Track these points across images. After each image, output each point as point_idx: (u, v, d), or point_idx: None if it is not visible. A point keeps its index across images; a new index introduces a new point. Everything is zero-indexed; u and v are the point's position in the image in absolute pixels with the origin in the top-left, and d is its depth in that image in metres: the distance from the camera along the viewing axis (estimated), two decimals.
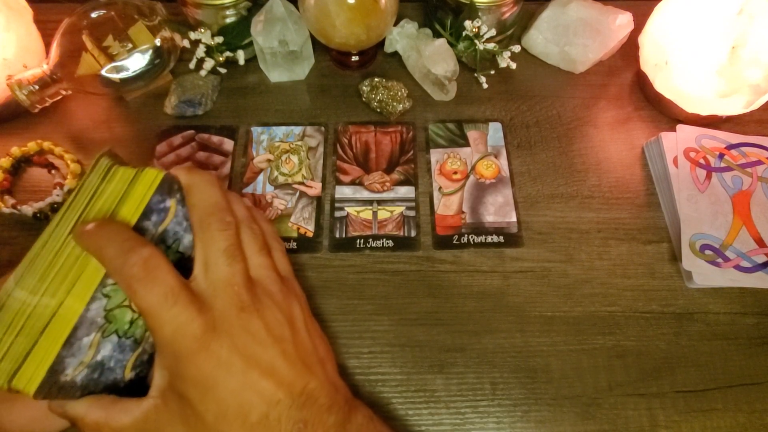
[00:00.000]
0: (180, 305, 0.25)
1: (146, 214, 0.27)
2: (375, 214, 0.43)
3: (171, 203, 0.29)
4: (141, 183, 0.28)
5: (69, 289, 0.25)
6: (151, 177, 0.28)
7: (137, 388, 0.28)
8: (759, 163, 0.44)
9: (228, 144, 0.46)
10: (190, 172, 0.29)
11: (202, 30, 0.47)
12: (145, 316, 0.25)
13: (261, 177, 0.44)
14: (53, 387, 0.25)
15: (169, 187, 0.28)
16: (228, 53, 0.49)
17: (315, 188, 0.44)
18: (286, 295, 0.30)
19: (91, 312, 0.25)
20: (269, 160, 0.45)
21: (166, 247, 0.29)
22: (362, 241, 0.41)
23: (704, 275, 0.39)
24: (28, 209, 0.40)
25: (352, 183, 0.44)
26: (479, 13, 0.47)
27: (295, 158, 0.45)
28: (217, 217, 0.28)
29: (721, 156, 0.44)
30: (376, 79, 0.48)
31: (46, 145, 0.44)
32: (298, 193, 0.44)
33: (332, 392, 0.28)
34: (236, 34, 0.48)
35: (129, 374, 0.29)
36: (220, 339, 0.26)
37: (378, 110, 0.48)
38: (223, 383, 0.25)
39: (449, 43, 0.48)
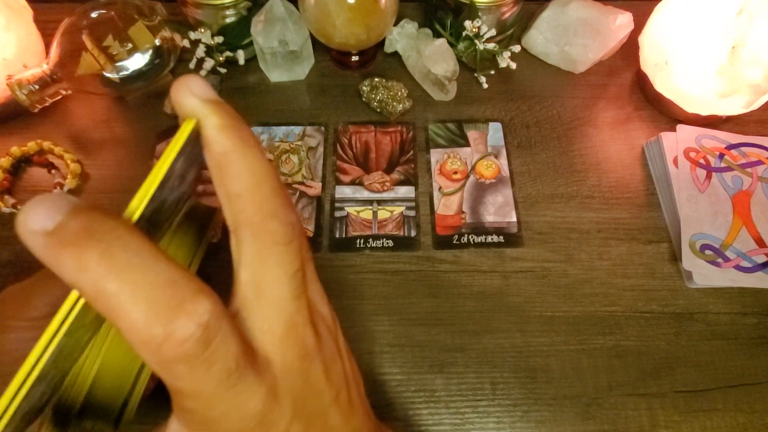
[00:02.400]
0: (244, 383, 0.16)
1: (162, 183, 0.18)
2: (375, 214, 0.43)
3: (179, 160, 0.18)
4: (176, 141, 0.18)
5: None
6: (187, 129, 0.18)
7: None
8: (759, 163, 0.44)
9: None
10: (232, 129, 0.18)
11: (202, 30, 0.47)
12: (187, 399, 0.16)
13: None
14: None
15: (190, 138, 0.18)
16: (228, 53, 0.49)
17: (315, 188, 0.44)
18: (334, 330, 0.23)
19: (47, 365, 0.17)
20: (269, 160, 0.45)
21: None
22: (362, 241, 0.41)
23: (704, 275, 0.39)
24: None
25: (352, 183, 0.44)
26: (479, 13, 0.47)
27: (295, 158, 0.45)
28: (282, 221, 0.18)
29: (721, 156, 0.44)
30: (376, 79, 0.48)
31: (46, 144, 0.44)
32: (298, 193, 0.44)
33: (370, 427, 0.24)
34: (236, 34, 0.48)
35: None
36: (282, 406, 0.18)
37: (378, 110, 0.48)
38: None
39: (449, 43, 0.48)
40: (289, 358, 0.18)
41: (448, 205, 0.43)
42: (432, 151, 0.46)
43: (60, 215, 0.14)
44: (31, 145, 0.44)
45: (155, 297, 0.14)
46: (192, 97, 0.17)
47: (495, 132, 0.47)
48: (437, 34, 0.50)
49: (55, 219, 0.14)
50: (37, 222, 0.14)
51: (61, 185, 0.42)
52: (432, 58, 0.47)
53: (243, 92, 0.50)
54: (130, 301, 0.14)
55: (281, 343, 0.18)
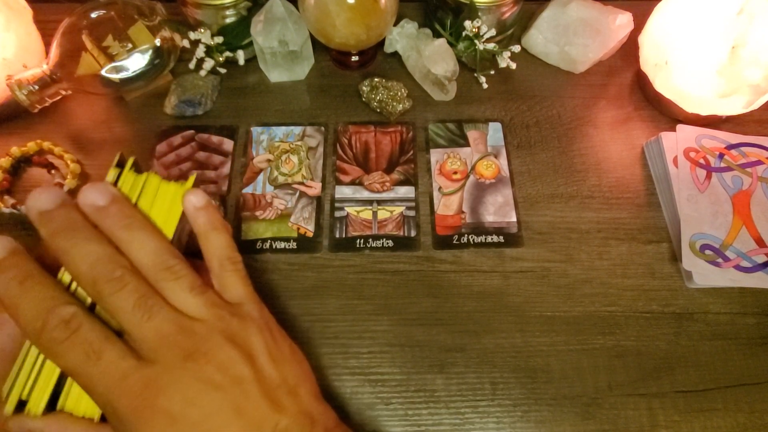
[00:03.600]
0: (106, 361, 0.23)
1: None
2: (375, 214, 0.43)
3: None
4: (178, 197, 0.29)
5: None
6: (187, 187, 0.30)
7: None
8: (759, 163, 0.44)
9: (228, 144, 0.46)
10: (55, 232, 0.25)
11: (202, 30, 0.47)
12: (74, 378, 0.23)
13: (261, 177, 0.44)
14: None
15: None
16: (228, 53, 0.49)
17: (315, 188, 0.44)
18: (240, 328, 0.26)
19: None
20: (269, 160, 0.45)
21: None
22: (362, 241, 0.41)
23: (704, 275, 0.39)
24: None
25: (352, 183, 0.44)
26: (479, 13, 0.47)
27: (295, 158, 0.45)
28: (104, 277, 0.24)
29: (721, 156, 0.44)
30: (376, 79, 0.48)
31: (46, 145, 0.44)
32: (298, 193, 0.44)
33: (307, 426, 0.26)
34: (236, 34, 0.48)
35: None
36: (168, 393, 0.23)
37: (378, 110, 0.48)
38: None
39: (449, 43, 0.48)
40: (168, 358, 0.24)
41: (448, 205, 0.43)
42: (432, 151, 0.46)
43: (3, 253, 0.25)
44: (31, 146, 0.44)
45: (38, 305, 0.23)
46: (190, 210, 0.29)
47: (495, 132, 0.47)
48: (437, 34, 0.50)
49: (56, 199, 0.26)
50: (43, 203, 0.26)
51: (61, 185, 0.42)
52: (432, 58, 0.47)
53: (243, 92, 0.50)
54: (23, 306, 0.23)
55: (154, 349, 0.24)
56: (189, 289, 0.26)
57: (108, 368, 0.23)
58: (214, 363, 0.24)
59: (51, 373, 0.25)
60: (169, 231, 0.28)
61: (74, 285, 0.26)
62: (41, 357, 0.25)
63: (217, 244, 0.28)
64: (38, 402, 0.24)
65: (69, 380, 0.25)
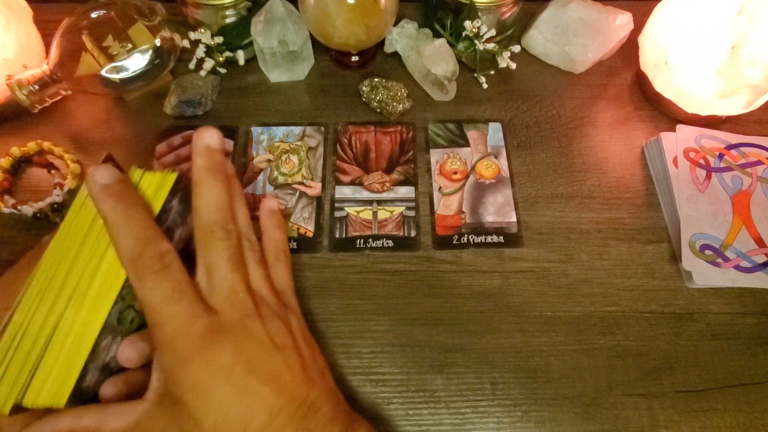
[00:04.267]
0: (185, 302, 0.25)
1: (159, 216, 0.28)
2: (375, 214, 0.43)
3: (174, 202, 0.29)
4: (162, 186, 0.29)
5: (93, 300, 0.26)
6: (170, 179, 0.29)
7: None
8: (759, 163, 0.44)
9: (228, 144, 0.46)
10: (203, 169, 0.29)
11: (202, 30, 0.47)
12: (148, 310, 0.25)
13: (261, 177, 0.44)
14: (77, 396, 0.25)
15: (176, 186, 0.29)
16: (228, 53, 0.49)
17: (315, 188, 0.44)
18: (282, 308, 0.30)
19: (110, 317, 0.26)
20: (269, 160, 0.45)
21: None
22: (362, 241, 0.41)
23: (704, 275, 0.39)
24: (28, 209, 0.40)
25: (352, 183, 0.44)
26: (479, 13, 0.47)
27: (295, 158, 0.45)
28: (221, 225, 0.28)
29: (720, 156, 0.44)
30: (375, 79, 0.48)
31: (46, 145, 0.44)
32: (298, 193, 0.44)
33: (335, 403, 0.28)
34: (236, 34, 0.48)
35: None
36: (224, 342, 0.25)
37: (378, 110, 0.48)
38: (223, 388, 0.24)
39: (449, 43, 0.48)
40: (231, 310, 0.26)
41: (447, 206, 0.43)
42: (432, 151, 0.46)
43: (112, 179, 0.26)
44: (31, 146, 0.44)
45: (139, 232, 0.25)
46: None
47: (495, 132, 0.47)
48: (437, 34, 0.50)
49: (111, 179, 0.26)
50: (100, 178, 0.26)
51: (61, 185, 0.42)
52: (432, 58, 0.47)
53: (243, 92, 0.50)
54: (126, 231, 0.25)
55: (223, 299, 0.27)
56: (257, 262, 0.30)
57: (184, 309, 0.25)
58: (265, 328, 0.27)
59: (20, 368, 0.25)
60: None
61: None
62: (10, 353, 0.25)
63: (277, 239, 0.34)
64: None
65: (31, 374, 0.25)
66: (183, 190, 0.30)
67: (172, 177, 0.29)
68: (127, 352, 0.27)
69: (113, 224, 0.25)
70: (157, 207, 0.28)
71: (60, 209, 0.41)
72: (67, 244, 0.27)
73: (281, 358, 0.27)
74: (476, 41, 0.48)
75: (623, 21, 0.49)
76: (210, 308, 0.26)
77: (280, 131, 0.47)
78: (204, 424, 0.24)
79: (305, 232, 0.42)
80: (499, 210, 0.43)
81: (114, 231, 0.25)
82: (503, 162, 0.46)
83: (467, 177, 0.45)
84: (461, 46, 0.49)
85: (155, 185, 0.28)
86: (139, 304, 0.28)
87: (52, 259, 0.26)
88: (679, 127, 0.45)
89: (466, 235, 0.42)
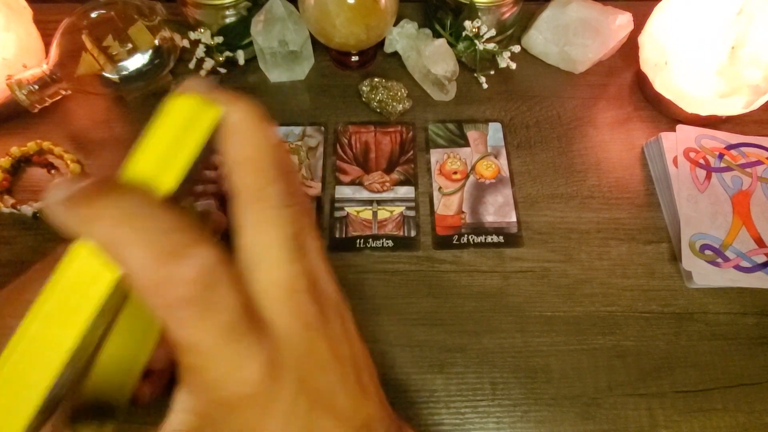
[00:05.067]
0: (245, 341, 0.16)
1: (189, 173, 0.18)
2: (375, 214, 0.43)
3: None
4: (197, 122, 0.18)
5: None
6: (211, 116, 0.19)
7: None
8: (759, 163, 0.44)
9: None
10: (237, 100, 0.19)
11: (202, 30, 0.47)
12: (187, 353, 0.17)
13: None
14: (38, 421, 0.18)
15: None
16: (228, 53, 0.49)
17: (315, 188, 0.44)
18: (339, 299, 0.22)
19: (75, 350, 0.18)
20: (279, 140, 0.45)
21: None
22: (362, 241, 0.41)
23: (704, 275, 0.39)
24: (27, 209, 0.40)
25: (352, 183, 0.44)
26: (479, 14, 0.47)
27: (294, 158, 0.45)
28: (282, 187, 0.18)
29: (720, 156, 0.44)
30: (375, 79, 0.48)
31: (46, 145, 0.44)
32: None
33: (387, 419, 0.24)
34: (236, 34, 0.48)
35: None
36: (284, 379, 0.18)
37: (378, 110, 0.48)
38: (281, 430, 0.18)
39: (449, 43, 0.48)
40: (292, 325, 0.18)
41: (447, 205, 0.43)
42: (432, 151, 0.46)
43: (74, 188, 0.16)
44: (31, 145, 0.44)
45: (158, 241, 0.15)
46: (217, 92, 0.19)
47: (495, 132, 0.47)
48: (437, 34, 0.50)
49: (70, 190, 0.15)
50: (55, 195, 0.15)
51: None
52: (432, 58, 0.47)
53: (243, 92, 0.49)
54: (135, 245, 0.15)
55: (282, 308, 0.18)
56: (313, 237, 0.21)
57: (239, 350, 0.17)
58: (328, 339, 0.20)
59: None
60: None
61: None
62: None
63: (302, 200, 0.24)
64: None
65: None
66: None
67: (214, 113, 0.19)
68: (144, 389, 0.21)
69: (111, 243, 0.15)
70: (187, 158, 0.17)
71: None
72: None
73: (340, 374, 0.20)
74: (476, 41, 0.48)
75: (623, 21, 0.49)
76: (262, 324, 0.17)
77: (280, 131, 0.47)
78: None
79: (310, 209, 0.42)
80: (499, 210, 0.43)
81: (116, 252, 0.15)
82: (503, 162, 0.46)
83: (467, 177, 0.45)
84: (461, 46, 0.49)
85: (186, 119, 0.18)
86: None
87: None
88: (679, 127, 0.45)
89: (466, 235, 0.42)
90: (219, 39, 0.47)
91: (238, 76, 0.50)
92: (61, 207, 0.16)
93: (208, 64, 0.48)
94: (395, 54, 0.51)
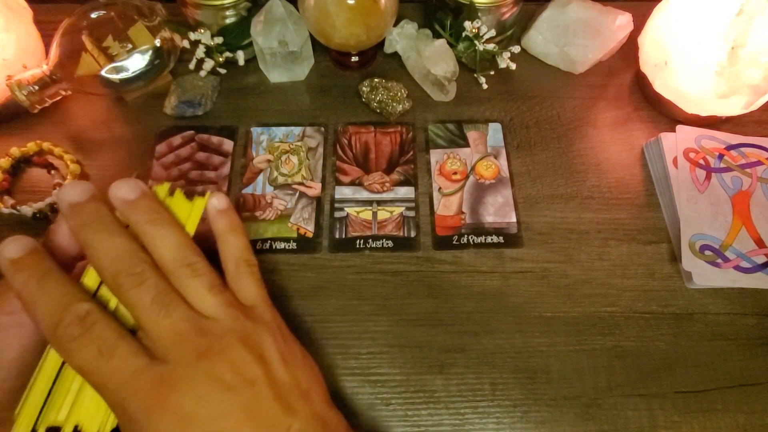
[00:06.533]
0: (118, 358, 0.22)
1: None
2: (375, 214, 0.43)
3: None
4: (193, 211, 0.29)
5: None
6: (201, 205, 0.29)
7: None
8: (758, 163, 0.44)
9: (228, 144, 0.46)
10: (80, 228, 0.26)
11: (202, 30, 0.47)
12: (86, 377, 0.23)
13: (261, 177, 0.44)
14: None
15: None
16: (228, 54, 0.49)
17: (315, 189, 0.44)
18: (253, 330, 0.26)
19: None
20: (269, 161, 0.45)
21: None
22: (362, 241, 0.41)
23: (704, 276, 0.39)
24: (27, 209, 0.40)
25: (352, 183, 0.44)
26: (479, 14, 0.47)
27: (294, 159, 0.45)
28: (125, 274, 0.24)
29: (720, 156, 0.44)
30: (375, 80, 0.48)
31: (46, 145, 0.44)
32: (297, 194, 0.44)
33: (320, 430, 0.26)
34: (236, 35, 0.48)
35: None
36: (180, 391, 0.23)
37: (378, 111, 0.48)
38: None
39: (449, 43, 0.48)
40: (181, 356, 0.24)
41: (447, 206, 0.43)
42: (432, 151, 0.46)
43: (22, 251, 0.25)
44: (31, 146, 0.44)
45: (53, 300, 0.23)
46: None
47: (495, 132, 0.47)
48: (437, 35, 0.50)
49: (20, 251, 0.25)
50: (8, 252, 0.25)
51: (61, 186, 0.42)
52: (432, 58, 0.47)
53: (243, 93, 0.50)
54: (41, 304, 0.23)
55: (168, 346, 0.24)
56: (208, 287, 0.26)
57: (120, 365, 0.22)
58: (227, 363, 0.24)
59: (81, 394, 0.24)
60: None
61: (97, 288, 0.26)
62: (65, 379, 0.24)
63: (234, 245, 0.29)
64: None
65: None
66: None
67: (202, 202, 0.29)
68: None
69: (27, 300, 0.24)
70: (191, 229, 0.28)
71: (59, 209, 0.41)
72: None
73: (251, 393, 0.24)
74: (476, 42, 0.48)
75: (623, 21, 0.49)
76: (156, 359, 0.23)
77: (280, 131, 0.47)
78: None
79: (305, 233, 0.42)
80: (499, 210, 0.43)
81: (29, 307, 0.24)
82: (503, 162, 0.46)
83: (467, 177, 0.45)
84: (461, 46, 0.49)
85: (185, 212, 0.28)
86: None
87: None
88: (679, 127, 0.45)
89: (465, 236, 0.42)
90: (219, 39, 0.47)
91: (238, 77, 0.50)
92: (7, 263, 0.24)
93: (208, 64, 0.48)
94: (395, 54, 0.51)
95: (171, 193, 0.28)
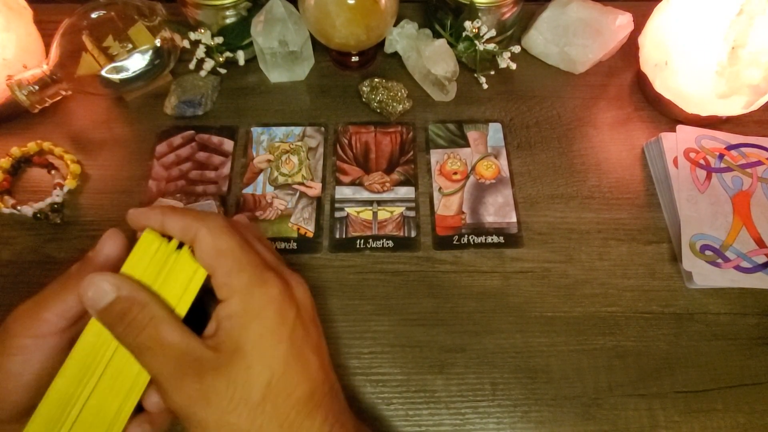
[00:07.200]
0: (255, 252, 0.26)
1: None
2: (375, 214, 0.43)
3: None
4: (192, 282, 0.26)
5: (121, 384, 0.25)
6: (202, 276, 0.26)
7: None
8: (759, 163, 0.44)
9: (228, 144, 0.46)
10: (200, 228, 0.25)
11: (202, 30, 0.47)
12: (223, 257, 0.25)
13: (261, 177, 0.44)
14: None
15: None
16: (228, 54, 0.49)
17: (315, 188, 0.44)
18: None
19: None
20: (269, 161, 0.45)
21: None
22: (362, 241, 0.41)
23: (704, 276, 0.39)
24: (28, 209, 0.40)
25: (352, 183, 0.44)
26: (479, 14, 0.47)
27: (295, 158, 0.45)
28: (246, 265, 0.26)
29: (721, 156, 0.44)
30: (376, 80, 0.48)
31: (46, 145, 0.44)
32: (298, 194, 0.44)
33: (345, 401, 0.28)
34: (236, 35, 0.48)
35: None
36: (291, 304, 0.25)
37: (378, 111, 0.48)
38: (286, 345, 0.24)
39: (449, 43, 0.48)
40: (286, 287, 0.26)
41: (448, 206, 0.43)
42: (432, 151, 0.46)
43: (108, 299, 0.24)
44: (31, 146, 0.44)
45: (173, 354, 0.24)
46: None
47: (495, 132, 0.47)
48: (437, 35, 0.50)
49: (105, 299, 0.24)
50: (92, 303, 0.24)
51: (61, 186, 0.42)
52: (432, 58, 0.47)
53: (243, 93, 0.50)
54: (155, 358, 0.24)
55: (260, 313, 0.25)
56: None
57: (258, 257, 0.25)
58: (312, 316, 0.28)
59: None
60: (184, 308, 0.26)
61: None
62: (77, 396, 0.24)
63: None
64: None
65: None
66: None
67: (203, 274, 0.26)
68: (155, 398, 0.26)
69: (138, 353, 0.24)
70: (185, 306, 0.25)
71: (60, 209, 0.41)
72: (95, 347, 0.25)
73: (317, 336, 0.27)
74: (476, 42, 0.48)
75: (623, 21, 0.49)
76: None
77: (280, 131, 0.47)
78: (260, 378, 0.24)
79: (305, 233, 0.42)
80: (500, 210, 0.43)
81: (143, 360, 0.24)
82: (503, 162, 0.46)
83: (467, 177, 0.45)
84: (461, 46, 0.49)
85: (189, 272, 0.25)
86: None
87: (92, 330, 0.25)
88: (680, 127, 0.45)
89: (466, 236, 0.42)
90: (219, 39, 0.47)
91: (238, 77, 0.50)
92: (97, 314, 0.24)
93: (208, 64, 0.48)
94: (395, 54, 0.51)
95: (179, 247, 0.26)
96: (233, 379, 0.23)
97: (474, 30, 0.47)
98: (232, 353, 0.24)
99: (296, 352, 0.25)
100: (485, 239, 0.42)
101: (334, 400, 0.26)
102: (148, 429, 0.27)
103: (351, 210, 0.43)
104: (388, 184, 0.44)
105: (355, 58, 0.50)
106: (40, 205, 0.41)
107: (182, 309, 0.25)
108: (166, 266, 0.25)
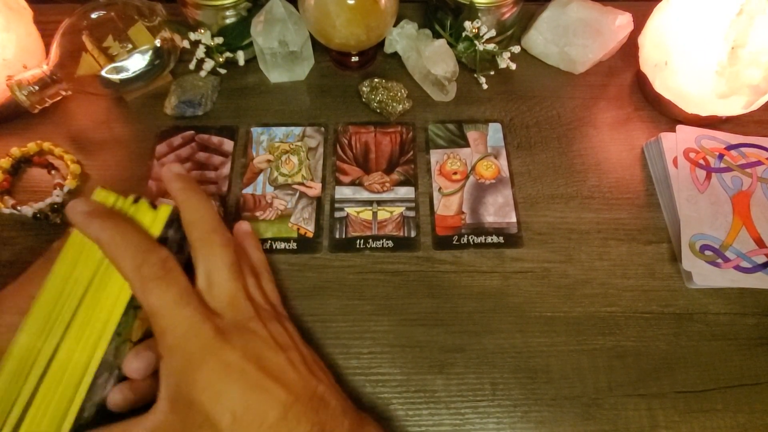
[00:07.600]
0: (193, 307, 0.26)
1: None
2: (375, 214, 0.43)
3: (171, 232, 0.29)
4: (157, 219, 0.28)
5: (91, 337, 0.26)
6: (165, 212, 0.29)
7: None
8: (759, 163, 0.44)
9: (228, 144, 0.46)
10: (184, 190, 0.30)
11: (202, 30, 0.47)
12: (156, 317, 0.25)
13: (261, 177, 0.44)
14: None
15: (171, 217, 0.29)
16: (228, 54, 0.49)
17: (315, 189, 0.44)
18: (278, 315, 0.32)
19: (107, 354, 0.26)
20: (269, 161, 0.45)
21: None
22: (362, 241, 0.41)
23: (704, 276, 0.39)
24: (28, 210, 0.40)
25: (352, 183, 0.44)
26: (479, 14, 0.47)
27: (295, 159, 0.45)
28: (220, 234, 0.29)
29: (720, 156, 0.44)
30: (376, 80, 0.48)
31: (46, 145, 0.44)
32: (298, 194, 0.44)
33: (341, 398, 0.29)
34: (236, 35, 0.48)
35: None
36: (232, 343, 0.26)
37: (378, 111, 0.48)
38: (238, 385, 0.25)
39: (449, 43, 0.48)
40: (236, 315, 0.28)
41: (447, 206, 0.43)
42: (432, 151, 0.46)
43: (93, 205, 0.27)
44: (31, 146, 0.44)
45: (138, 243, 0.26)
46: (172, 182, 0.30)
47: (495, 132, 0.47)
48: (437, 35, 0.50)
49: (92, 205, 0.27)
50: (80, 206, 0.26)
51: (61, 186, 0.42)
52: (432, 58, 0.47)
53: (243, 93, 0.50)
54: (125, 245, 0.26)
55: (226, 304, 0.28)
56: (250, 273, 0.33)
57: (193, 312, 0.26)
58: (267, 329, 0.29)
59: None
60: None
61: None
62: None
63: (258, 258, 0.36)
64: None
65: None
66: (177, 220, 0.30)
67: (166, 210, 0.29)
68: (135, 364, 0.27)
69: (108, 242, 0.26)
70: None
71: (60, 210, 0.41)
72: (66, 276, 0.26)
73: (285, 356, 0.28)
74: (476, 42, 0.48)
75: (623, 21, 0.49)
76: (214, 313, 0.27)
77: (280, 131, 0.47)
78: (221, 423, 0.24)
79: (305, 233, 0.42)
80: (499, 210, 0.43)
81: (111, 249, 0.26)
82: (503, 162, 0.46)
83: (467, 177, 0.45)
84: (461, 46, 0.49)
85: (149, 219, 0.28)
86: (140, 323, 0.29)
87: (53, 286, 0.26)
88: (679, 127, 0.45)
89: (466, 236, 0.42)
90: (219, 40, 0.47)
91: (238, 77, 0.50)
92: (82, 215, 0.26)
93: (208, 64, 0.48)
94: (395, 54, 0.51)
95: (135, 201, 0.29)
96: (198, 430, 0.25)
97: (474, 30, 0.47)
98: (188, 409, 0.25)
99: (251, 385, 0.25)
100: (485, 239, 0.42)
101: (320, 408, 0.27)
102: (129, 395, 0.28)
103: (351, 210, 0.43)
104: (387, 184, 0.44)
105: (355, 58, 0.50)
106: (40, 205, 0.41)
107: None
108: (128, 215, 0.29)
